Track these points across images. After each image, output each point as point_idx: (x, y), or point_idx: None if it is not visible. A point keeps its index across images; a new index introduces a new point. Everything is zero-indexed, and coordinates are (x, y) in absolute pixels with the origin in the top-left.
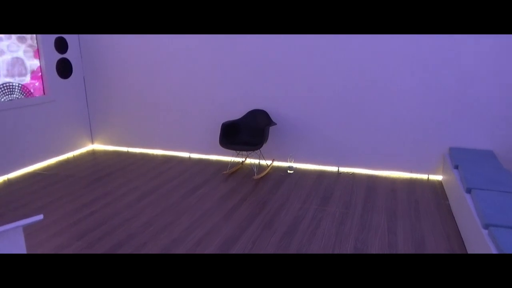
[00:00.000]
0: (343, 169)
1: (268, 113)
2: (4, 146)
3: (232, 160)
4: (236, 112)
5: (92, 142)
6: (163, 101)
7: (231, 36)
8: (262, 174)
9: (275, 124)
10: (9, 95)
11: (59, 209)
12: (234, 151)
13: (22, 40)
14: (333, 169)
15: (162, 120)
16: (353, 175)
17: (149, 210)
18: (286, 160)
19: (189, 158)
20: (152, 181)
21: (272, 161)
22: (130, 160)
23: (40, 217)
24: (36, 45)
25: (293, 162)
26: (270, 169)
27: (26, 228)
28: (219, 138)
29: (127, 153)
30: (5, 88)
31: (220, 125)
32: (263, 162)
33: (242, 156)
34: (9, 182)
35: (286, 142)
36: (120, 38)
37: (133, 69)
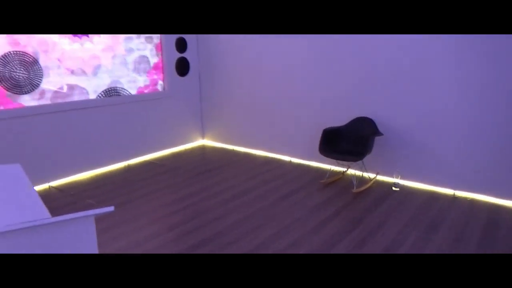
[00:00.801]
0: (459, 193)
1: (375, 122)
2: (128, 136)
3: (332, 169)
4: (341, 119)
5: (203, 138)
6: (270, 102)
7: (339, 39)
8: (363, 188)
9: (381, 134)
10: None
11: (160, 198)
12: (335, 160)
13: (149, 40)
14: (448, 191)
15: (267, 122)
16: (471, 201)
17: (241, 210)
18: (391, 176)
19: (290, 162)
20: (249, 181)
21: (376, 174)
22: (234, 159)
23: (110, 208)
24: (160, 45)
25: (400, 178)
26: (372, 183)
27: (124, 214)
28: (319, 145)
29: (232, 151)
30: (115, 92)
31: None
32: (366, 175)
33: (343, 166)
34: (128, 168)
35: (393, 156)
36: (234, 40)
37: (245, 70)
